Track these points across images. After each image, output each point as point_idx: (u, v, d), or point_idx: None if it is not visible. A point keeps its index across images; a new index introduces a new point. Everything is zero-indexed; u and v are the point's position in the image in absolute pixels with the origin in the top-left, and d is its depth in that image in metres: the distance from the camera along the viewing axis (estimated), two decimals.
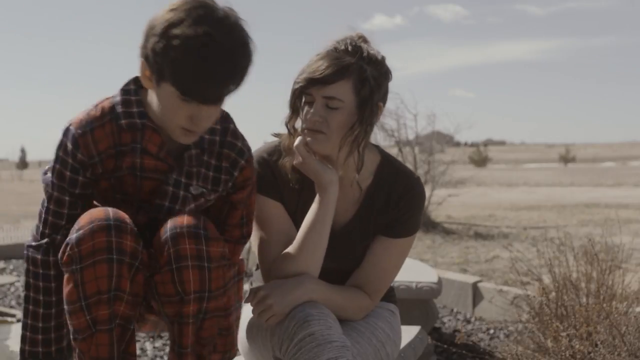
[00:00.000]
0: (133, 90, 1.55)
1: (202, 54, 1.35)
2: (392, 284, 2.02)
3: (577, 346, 2.35)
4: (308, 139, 1.71)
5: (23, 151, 72.72)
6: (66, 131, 1.55)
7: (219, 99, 1.44)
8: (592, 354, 2.32)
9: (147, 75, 1.45)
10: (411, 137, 9.23)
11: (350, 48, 1.69)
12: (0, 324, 4.37)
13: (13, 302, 5.14)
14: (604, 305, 2.52)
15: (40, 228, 1.61)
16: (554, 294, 2.67)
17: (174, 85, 1.39)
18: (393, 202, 1.82)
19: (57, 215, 1.59)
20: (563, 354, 2.38)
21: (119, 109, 1.53)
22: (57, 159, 1.56)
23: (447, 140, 10.64)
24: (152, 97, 1.49)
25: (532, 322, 2.72)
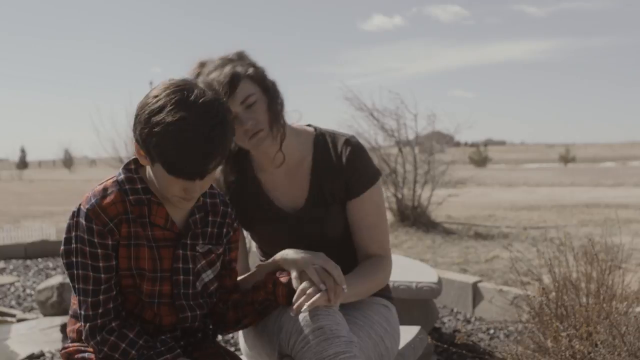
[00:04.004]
0: (134, 169, 1.69)
1: (180, 138, 1.50)
2: (392, 283, 2.04)
3: (577, 346, 2.35)
4: (251, 142, 1.83)
5: (23, 151, 72.62)
6: (77, 212, 1.64)
7: (203, 175, 1.57)
8: (592, 354, 2.31)
9: (142, 155, 1.61)
10: (411, 137, 9.24)
11: (220, 61, 1.84)
12: (0, 324, 4.37)
13: (13, 302, 5.14)
14: (604, 305, 2.52)
15: (83, 312, 1.64)
16: (554, 294, 2.67)
17: (162, 166, 1.56)
18: (338, 166, 1.91)
19: (89, 293, 1.63)
20: (563, 354, 2.38)
21: (125, 185, 1.66)
22: (74, 238, 1.63)
23: (447, 140, 10.63)
24: (151, 173, 1.65)
25: (532, 322, 2.72)
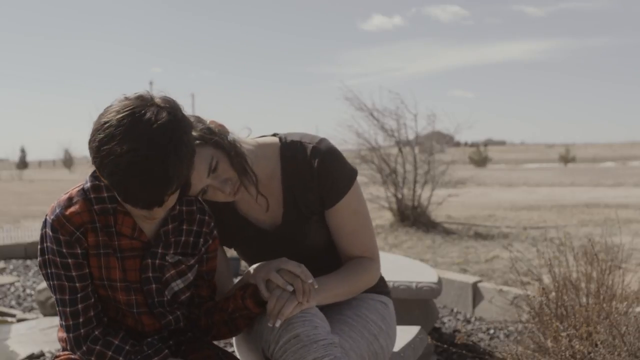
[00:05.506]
0: None
1: (130, 171, 1.38)
2: (392, 283, 2.03)
3: (577, 346, 2.35)
4: (236, 197, 1.75)
5: (23, 151, 72.51)
6: (44, 223, 1.59)
7: (161, 203, 1.46)
8: (592, 354, 2.31)
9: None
10: (411, 137, 9.23)
11: None
12: (0, 324, 4.36)
13: (13, 302, 5.14)
14: (604, 305, 2.52)
15: (64, 323, 1.62)
16: (554, 294, 2.67)
17: (117, 195, 1.47)
18: (309, 178, 1.82)
19: (66, 303, 1.60)
20: (563, 354, 2.38)
21: (90, 194, 1.58)
22: (45, 250, 1.58)
23: (447, 140, 10.62)
24: None
25: (532, 322, 2.72)
